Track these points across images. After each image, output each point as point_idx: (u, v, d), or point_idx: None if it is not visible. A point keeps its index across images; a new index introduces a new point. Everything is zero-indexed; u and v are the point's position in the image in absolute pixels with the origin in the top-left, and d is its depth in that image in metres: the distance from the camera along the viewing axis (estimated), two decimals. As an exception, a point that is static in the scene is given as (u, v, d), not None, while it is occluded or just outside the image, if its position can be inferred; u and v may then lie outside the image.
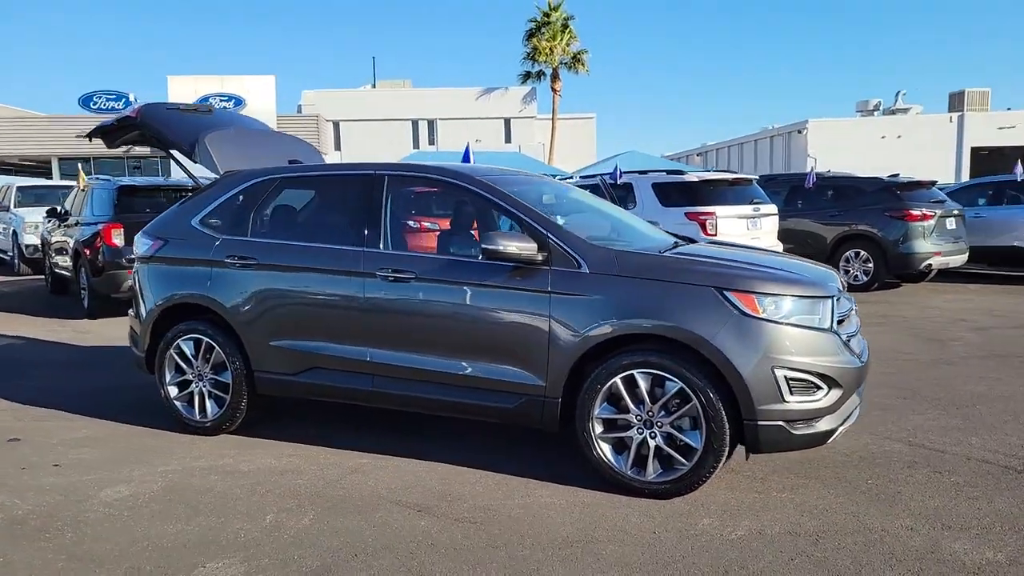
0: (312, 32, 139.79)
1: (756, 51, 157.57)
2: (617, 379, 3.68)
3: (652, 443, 3.67)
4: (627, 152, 26.31)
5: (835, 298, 3.73)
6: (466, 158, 10.45)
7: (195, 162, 5.12)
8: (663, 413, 3.64)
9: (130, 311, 5.32)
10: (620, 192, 10.81)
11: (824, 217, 11.64)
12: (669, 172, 11.06)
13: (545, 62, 37.30)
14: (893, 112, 44.86)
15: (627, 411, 3.70)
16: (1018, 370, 6.23)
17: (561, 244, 3.88)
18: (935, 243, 10.84)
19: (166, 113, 5.23)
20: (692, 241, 4.71)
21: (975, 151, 41.47)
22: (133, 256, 5.23)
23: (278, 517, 3.57)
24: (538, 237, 3.89)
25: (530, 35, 36.95)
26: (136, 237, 5.26)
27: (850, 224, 11.38)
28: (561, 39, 36.61)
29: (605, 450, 3.76)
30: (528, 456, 4.31)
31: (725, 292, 3.58)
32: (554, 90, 37.86)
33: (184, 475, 4.15)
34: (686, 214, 9.87)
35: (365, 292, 4.24)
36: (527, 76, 38.38)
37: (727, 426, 3.52)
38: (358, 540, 3.31)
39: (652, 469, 3.68)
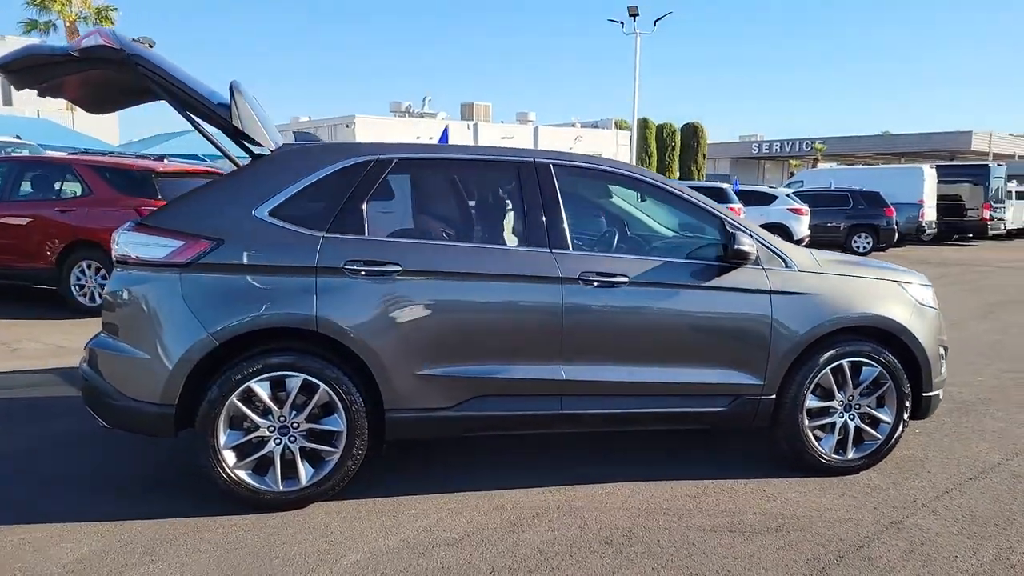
0: None
1: (285, 39, 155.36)
2: (827, 370, 3.96)
3: (852, 424, 4.06)
4: (191, 131, 23.99)
5: None
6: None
7: (234, 128, 3.54)
8: (860, 396, 4.05)
9: (107, 345, 3.47)
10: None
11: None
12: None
13: (59, 13, 31.28)
14: (422, 115, 49.65)
15: (832, 398, 4.01)
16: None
17: (766, 244, 3.96)
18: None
19: (146, 49, 3.45)
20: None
21: (485, 155, 48.36)
22: (128, 260, 3.41)
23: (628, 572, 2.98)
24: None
25: (31, -27, 30.31)
26: (129, 235, 3.45)
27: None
28: (79, -14, 30.98)
29: (811, 438, 4.00)
30: (702, 459, 4.26)
31: (903, 285, 4.15)
32: (72, 48, 31.88)
33: (397, 559, 3.05)
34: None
35: (564, 300, 3.64)
36: (32, 25, 31.51)
37: (911, 400, 4.11)
38: (756, 567, 3.01)
39: (851, 448, 4.06)
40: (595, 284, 3.68)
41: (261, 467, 3.47)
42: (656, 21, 29.37)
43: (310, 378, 3.43)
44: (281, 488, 3.46)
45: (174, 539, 3.20)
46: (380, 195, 3.65)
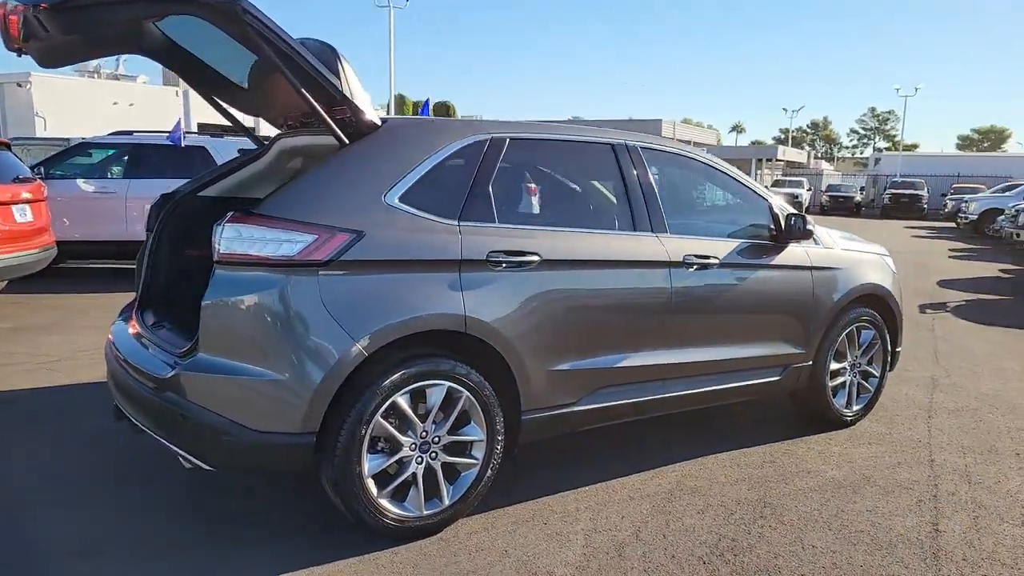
0: None
1: None
2: (843, 335, 4.47)
3: (855, 381, 4.63)
4: None
5: None
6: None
7: (338, 99, 2.94)
8: (860, 355, 4.63)
9: (215, 368, 2.73)
10: (184, 158, 9.10)
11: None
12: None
13: None
14: (117, 77, 43.74)
15: (844, 360, 4.53)
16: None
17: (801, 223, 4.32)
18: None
19: None
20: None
21: (201, 126, 44.32)
22: (256, 259, 2.70)
23: (810, 537, 3.15)
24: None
25: None
26: (240, 228, 2.73)
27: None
28: None
29: (831, 397, 4.49)
30: (725, 429, 4.52)
31: (884, 258, 4.80)
32: None
33: (602, 564, 2.89)
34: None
35: (672, 284, 3.65)
36: None
37: (890, 356, 4.79)
38: (890, 517, 3.37)
39: (855, 402, 4.64)
40: (695, 267, 3.74)
41: (399, 492, 3.03)
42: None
43: (455, 386, 3.06)
44: (424, 512, 3.06)
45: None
46: (500, 178, 3.32)
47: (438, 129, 3.26)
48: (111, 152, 9.84)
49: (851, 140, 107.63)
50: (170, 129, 9.39)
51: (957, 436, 4.51)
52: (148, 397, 2.89)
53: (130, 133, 9.56)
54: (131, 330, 3.43)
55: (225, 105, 3.97)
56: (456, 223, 3.09)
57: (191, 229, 3.83)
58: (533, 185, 3.87)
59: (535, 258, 3.21)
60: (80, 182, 9.07)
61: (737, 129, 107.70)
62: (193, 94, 42.75)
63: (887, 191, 35.29)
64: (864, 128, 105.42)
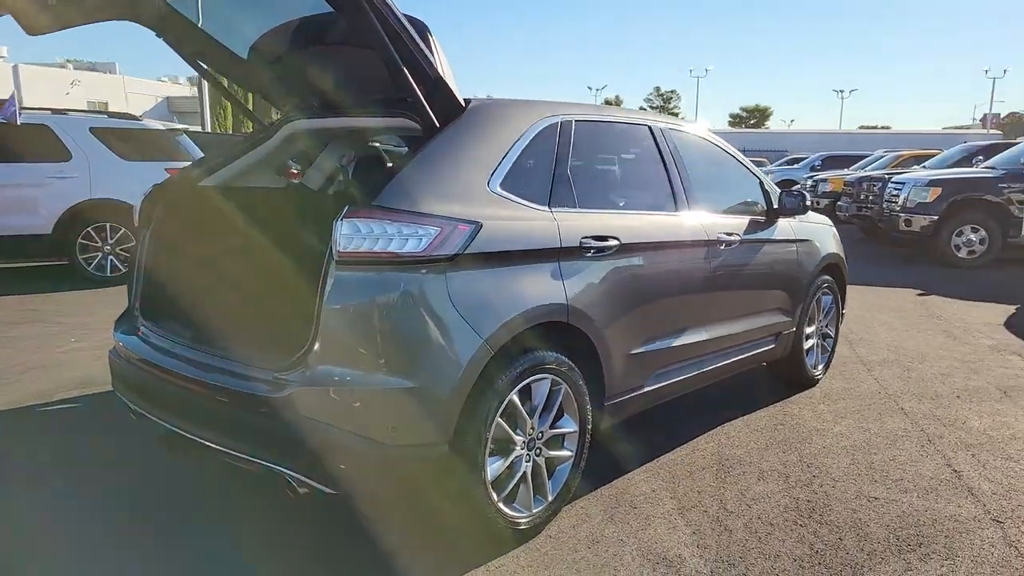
0: None
1: None
2: (813, 302, 4.84)
3: (821, 343, 5.03)
4: None
5: None
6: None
7: (433, 78, 2.66)
8: (824, 319, 5.04)
9: (345, 380, 2.41)
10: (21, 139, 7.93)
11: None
12: (113, 115, 8.50)
13: None
14: None
15: (812, 325, 4.91)
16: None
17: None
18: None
19: None
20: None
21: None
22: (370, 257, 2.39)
23: (871, 490, 3.42)
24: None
25: None
26: (360, 224, 2.42)
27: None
28: None
29: (806, 359, 4.85)
30: (715, 400, 4.72)
31: (832, 228, 5.22)
32: None
33: (718, 537, 2.96)
34: (167, 169, 8.25)
35: (711, 262, 3.76)
36: None
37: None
38: (911, 463, 3.74)
39: (820, 362, 5.05)
40: (723, 244, 3.86)
41: (512, 493, 2.89)
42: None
43: (556, 378, 2.96)
44: (533, 510, 2.95)
45: (503, 604, 2.53)
46: (574, 161, 3.21)
47: (520, 111, 3.07)
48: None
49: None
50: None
51: (902, 385, 5.05)
52: (247, 419, 2.51)
53: (-51, 109, 8.06)
54: (159, 342, 2.95)
55: (219, 77, 3.48)
56: (548, 209, 2.96)
57: (196, 223, 3.35)
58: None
59: (615, 242, 3.16)
60: None
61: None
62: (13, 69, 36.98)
63: (688, 165, 38.03)
64: (651, 107, 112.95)
